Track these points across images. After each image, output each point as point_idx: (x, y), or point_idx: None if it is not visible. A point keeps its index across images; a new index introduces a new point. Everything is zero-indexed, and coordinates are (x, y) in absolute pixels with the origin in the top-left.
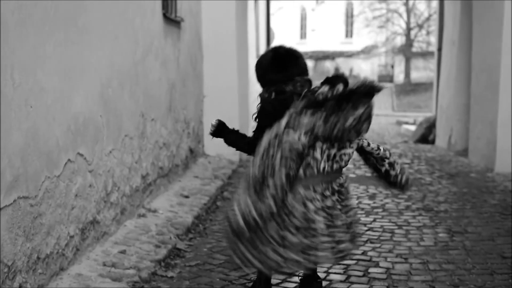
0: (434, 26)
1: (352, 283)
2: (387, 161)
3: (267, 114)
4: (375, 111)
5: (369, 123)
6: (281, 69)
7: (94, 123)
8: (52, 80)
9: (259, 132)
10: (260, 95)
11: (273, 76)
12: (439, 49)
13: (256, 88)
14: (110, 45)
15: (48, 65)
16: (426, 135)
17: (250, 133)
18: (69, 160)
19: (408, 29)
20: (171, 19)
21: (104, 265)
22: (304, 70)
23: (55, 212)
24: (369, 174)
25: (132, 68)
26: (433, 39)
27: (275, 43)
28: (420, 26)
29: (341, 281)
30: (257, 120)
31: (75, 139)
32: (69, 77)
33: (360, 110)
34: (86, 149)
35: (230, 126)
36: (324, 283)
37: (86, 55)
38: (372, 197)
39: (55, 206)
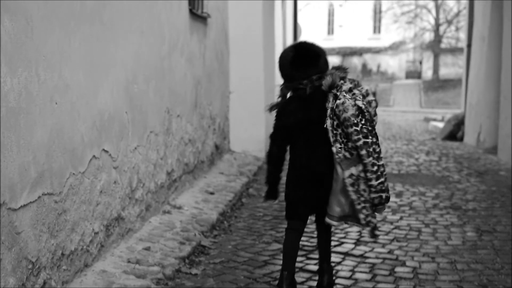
0: (463, 22)
1: (378, 282)
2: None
3: (282, 114)
4: (403, 107)
5: None
6: (300, 68)
7: (119, 119)
8: (77, 76)
9: (276, 132)
10: (281, 89)
11: (293, 73)
12: (469, 45)
13: None
14: (136, 41)
15: (73, 61)
16: (455, 132)
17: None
18: (94, 156)
19: (437, 25)
20: (197, 15)
21: (129, 261)
22: (323, 69)
23: (79, 208)
24: (396, 172)
25: (158, 64)
26: (463, 35)
27: (302, 38)
28: (449, 22)
29: (366, 280)
30: (275, 119)
31: (100, 136)
32: (94, 73)
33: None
34: (111, 145)
35: (256, 122)
36: (349, 282)
37: (112, 51)
38: (398, 195)
39: (80, 202)
